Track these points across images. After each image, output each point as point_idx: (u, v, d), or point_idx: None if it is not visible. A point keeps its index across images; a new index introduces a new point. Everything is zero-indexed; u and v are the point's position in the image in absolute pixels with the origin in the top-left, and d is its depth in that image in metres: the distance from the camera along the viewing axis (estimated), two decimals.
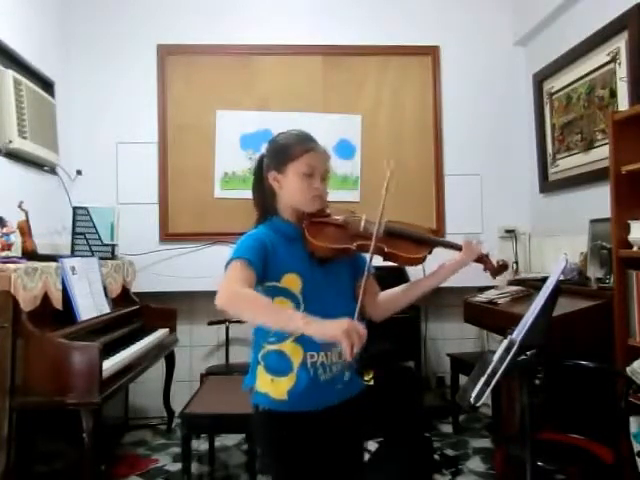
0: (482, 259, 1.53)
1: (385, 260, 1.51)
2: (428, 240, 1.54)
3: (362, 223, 1.51)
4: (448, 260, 1.55)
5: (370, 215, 1.53)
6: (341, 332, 1.19)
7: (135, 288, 3.39)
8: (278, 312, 1.34)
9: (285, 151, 1.47)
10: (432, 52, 3.84)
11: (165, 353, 3.24)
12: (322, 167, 1.48)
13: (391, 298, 1.59)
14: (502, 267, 1.56)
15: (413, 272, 3.01)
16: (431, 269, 1.58)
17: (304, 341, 1.40)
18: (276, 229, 1.47)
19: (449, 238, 3.75)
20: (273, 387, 1.44)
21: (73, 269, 2.52)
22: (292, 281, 1.42)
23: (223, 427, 2.69)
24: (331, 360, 1.44)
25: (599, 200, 2.71)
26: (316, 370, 1.43)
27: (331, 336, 1.21)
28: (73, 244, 3.12)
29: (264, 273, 1.39)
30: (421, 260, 1.51)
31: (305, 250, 1.45)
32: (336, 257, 1.48)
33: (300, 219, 1.49)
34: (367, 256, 1.43)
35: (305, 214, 1.48)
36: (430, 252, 1.53)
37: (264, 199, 1.51)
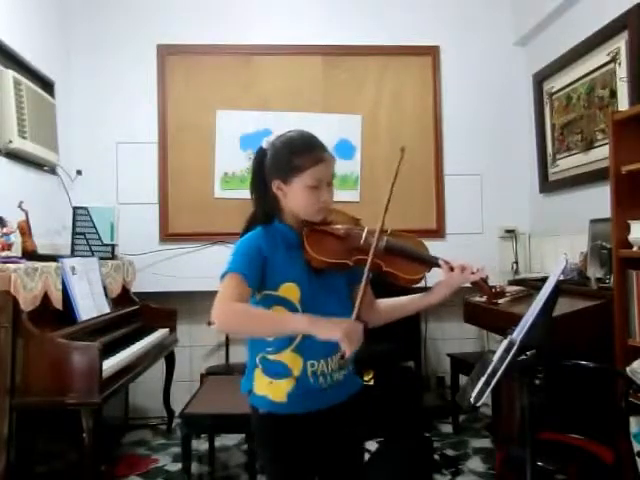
0: (477, 284, 1.46)
1: (381, 277, 1.44)
2: (428, 259, 1.48)
3: (363, 235, 1.43)
4: (443, 279, 1.48)
5: (373, 226, 1.43)
6: (341, 332, 1.22)
7: (135, 288, 3.39)
8: (278, 318, 1.33)
9: (290, 162, 1.37)
10: (432, 52, 3.83)
11: (165, 353, 3.24)
12: (329, 175, 1.41)
13: (390, 308, 1.56)
14: (498, 294, 1.52)
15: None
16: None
17: (304, 350, 1.38)
18: (276, 233, 1.42)
19: (449, 238, 3.81)
20: (272, 389, 1.41)
21: (73, 269, 2.52)
22: (290, 290, 1.37)
23: (223, 427, 2.69)
24: (331, 368, 1.41)
25: (599, 200, 2.71)
26: (317, 378, 1.40)
27: (332, 335, 1.23)
28: (73, 244, 3.12)
29: (261, 281, 1.36)
30: (418, 281, 1.45)
31: (303, 258, 1.40)
32: (332, 270, 1.42)
33: (301, 225, 1.43)
34: (364, 269, 1.36)
35: (306, 221, 1.43)
36: (428, 271, 1.48)
37: (265, 202, 1.45)
